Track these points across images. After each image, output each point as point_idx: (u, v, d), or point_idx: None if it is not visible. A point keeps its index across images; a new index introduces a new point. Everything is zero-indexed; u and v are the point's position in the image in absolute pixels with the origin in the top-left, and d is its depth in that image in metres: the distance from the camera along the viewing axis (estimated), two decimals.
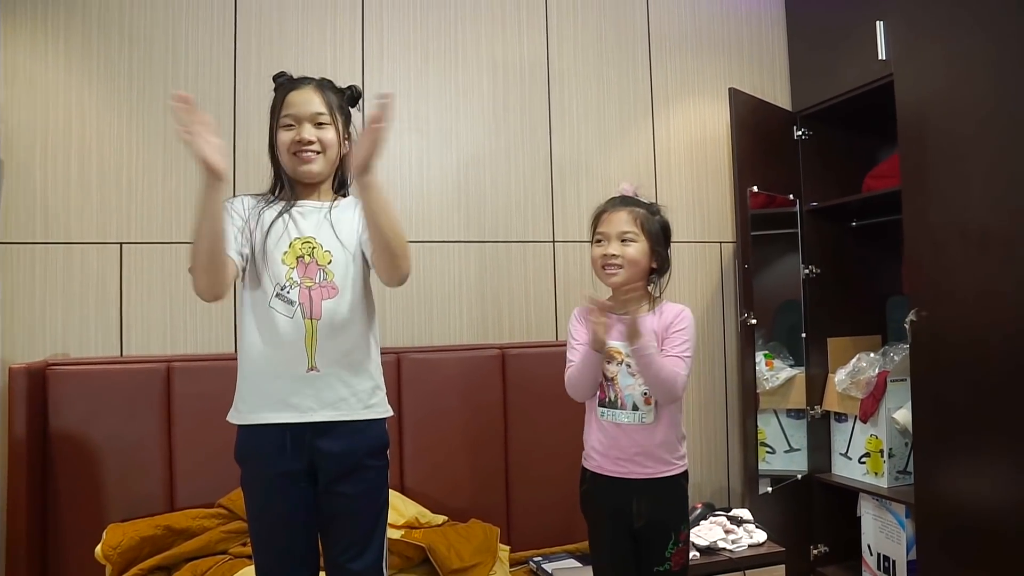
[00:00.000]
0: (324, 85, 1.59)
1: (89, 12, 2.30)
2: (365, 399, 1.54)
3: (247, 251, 1.53)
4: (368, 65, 2.57)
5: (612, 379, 1.70)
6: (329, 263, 1.52)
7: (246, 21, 2.45)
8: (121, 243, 2.31)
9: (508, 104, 2.72)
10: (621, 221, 1.73)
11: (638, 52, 2.91)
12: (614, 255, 1.71)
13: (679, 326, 1.71)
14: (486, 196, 2.68)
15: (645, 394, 1.68)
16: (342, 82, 1.68)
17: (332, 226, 1.55)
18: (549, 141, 2.77)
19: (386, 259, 1.45)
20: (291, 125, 1.54)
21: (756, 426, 2.83)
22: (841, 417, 2.95)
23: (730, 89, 2.78)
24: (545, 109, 2.77)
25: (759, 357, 2.93)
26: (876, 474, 2.77)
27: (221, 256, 1.43)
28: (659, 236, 1.76)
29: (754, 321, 2.73)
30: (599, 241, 1.76)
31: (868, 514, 2.80)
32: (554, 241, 2.75)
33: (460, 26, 2.68)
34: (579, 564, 2.30)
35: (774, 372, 2.98)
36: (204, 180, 1.37)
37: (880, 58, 2.52)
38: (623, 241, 1.72)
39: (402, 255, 1.45)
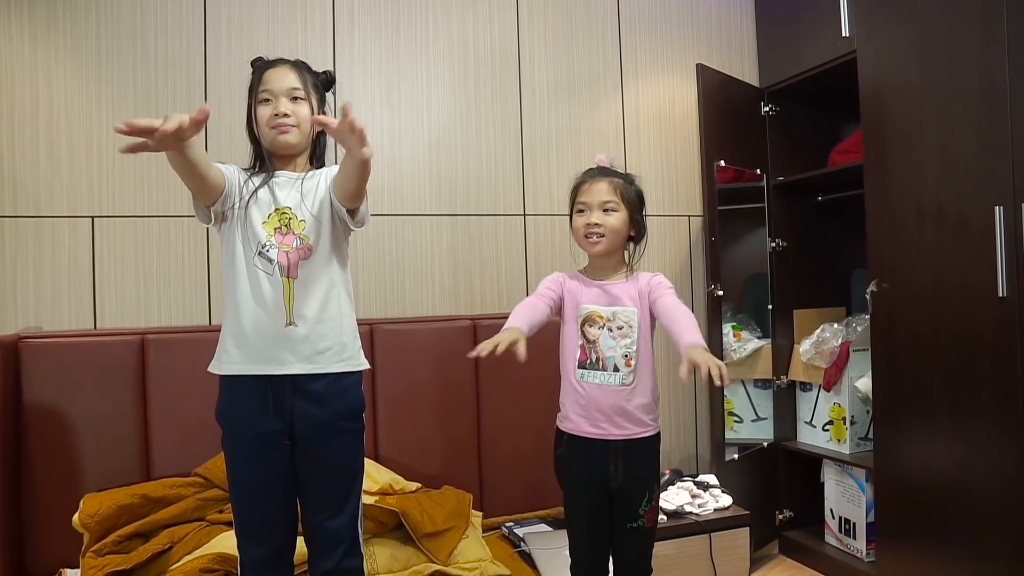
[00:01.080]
0: (299, 65, 1.65)
1: None
2: (339, 352, 1.59)
3: (229, 204, 1.57)
4: (339, 38, 2.57)
5: (594, 341, 1.76)
6: (303, 230, 1.59)
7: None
8: (93, 217, 2.31)
9: (479, 78, 2.75)
10: (602, 191, 1.78)
11: (608, 28, 2.94)
12: (597, 224, 1.76)
13: (660, 283, 1.77)
14: (458, 170, 2.71)
15: (626, 356, 1.74)
16: (313, 56, 1.72)
17: (302, 197, 1.60)
18: (520, 116, 2.80)
19: (350, 193, 1.52)
20: (268, 100, 1.60)
21: (723, 396, 2.91)
22: (806, 386, 3.03)
23: (698, 65, 2.82)
24: (516, 84, 2.79)
25: (727, 329, 3.01)
26: (839, 441, 2.86)
27: (204, 166, 1.47)
28: (636, 204, 1.81)
29: (721, 293, 2.80)
30: (580, 211, 1.81)
31: (831, 479, 2.89)
32: (525, 214, 2.79)
33: (431, 1, 2.69)
34: (550, 528, 2.36)
35: (741, 343, 3.05)
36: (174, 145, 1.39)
37: (843, 35, 2.57)
38: (605, 211, 1.77)
39: (360, 193, 1.54)
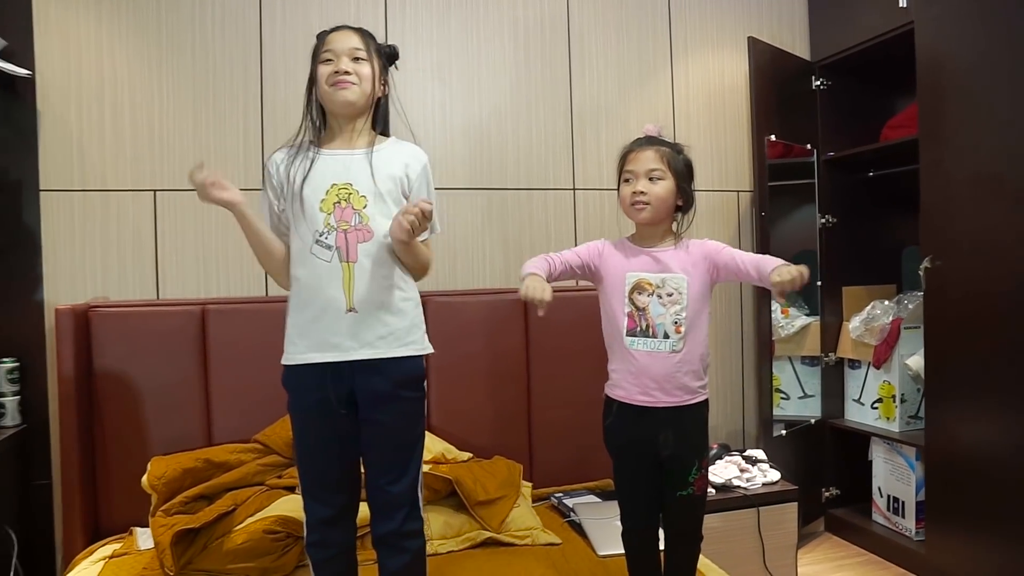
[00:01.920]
0: (363, 31, 1.64)
1: None
2: (402, 337, 1.60)
3: (286, 208, 1.63)
4: (391, 12, 2.60)
5: (644, 309, 1.76)
6: (364, 207, 1.58)
7: None
8: (155, 190, 2.38)
9: (529, 53, 2.75)
10: (648, 159, 1.77)
11: (658, 1, 2.92)
12: (642, 192, 1.76)
13: (714, 246, 1.78)
14: (508, 144, 2.73)
15: (676, 323, 1.74)
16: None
17: (372, 171, 1.60)
18: (569, 90, 2.80)
19: (411, 270, 1.67)
20: (330, 60, 1.59)
21: (771, 372, 2.90)
22: (855, 364, 3.01)
23: (749, 38, 2.79)
24: (566, 58, 2.80)
25: (775, 305, 2.99)
26: (888, 419, 2.84)
27: (272, 251, 1.64)
28: (684, 173, 1.80)
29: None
30: (627, 180, 1.80)
31: (879, 457, 2.88)
32: (574, 189, 2.80)
33: None
34: (599, 499, 2.39)
35: (789, 320, 3.04)
36: (233, 213, 1.60)
37: (901, 5, 2.52)
38: (651, 179, 1.77)
39: (421, 272, 1.69)
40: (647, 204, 1.76)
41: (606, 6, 2.84)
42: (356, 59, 1.59)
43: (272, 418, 2.22)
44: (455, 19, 2.67)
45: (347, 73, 1.58)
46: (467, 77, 2.68)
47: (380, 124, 1.71)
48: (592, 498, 2.42)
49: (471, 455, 2.36)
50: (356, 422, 1.61)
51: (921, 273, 2.43)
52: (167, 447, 2.19)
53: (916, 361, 2.70)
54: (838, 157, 2.99)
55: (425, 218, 1.50)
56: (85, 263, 2.32)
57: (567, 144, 2.79)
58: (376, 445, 1.62)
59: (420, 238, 1.61)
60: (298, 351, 1.58)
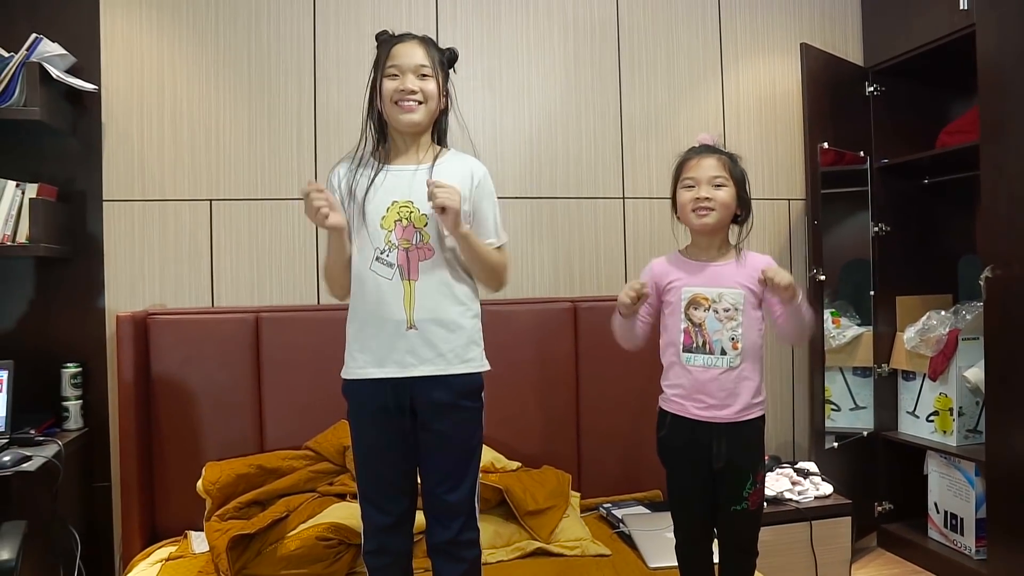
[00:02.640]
0: (427, 41, 1.64)
1: None
2: (461, 354, 1.60)
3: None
4: (442, 22, 2.62)
5: (700, 325, 1.74)
6: (425, 225, 1.58)
7: None
8: (211, 200, 2.44)
9: (579, 61, 2.75)
10: (711, 166, 1.76)
11: (708, 8, 2.90)
12: (707, 198, 1.75)
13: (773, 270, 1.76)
14: (558, 153, 2.73)
15: (733, 339, 1.72)
16: None
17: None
18: (619, 98, 2.79)
19: (482, 280, 1.69)
20: (396, 75, 1.59)
21: (823, 383, 2.84)
22: (909, 375, 2.94)
23: (802, 45, 2.75)
24: (615, 66, 2.79)
25: (825, 315, 2.93)
26: (944, 432, 2.77)
27: (348, 269, 1.63)
28: (742, 182, 1.79)
29: (823, 277, 2.74)
30: (689, 186, 1.79)
31: (935, 472, 2.80)
32: (624, 197, 2.79)
33: None
34: (648, 511, 2.37)
35: (840, 330, 2.98)
36: (330, 234, 1.60)
37: (962, 8, 2.46)
38: (715, 186, 1.75)
39: (495, 279, 1.70)
40: (711, 209, 1.75)
41: (656, 13, 2.83)
42: (422, 76, 1.59)
43: (323, 425, 2.25)
44: (505, 27, 2.68)
45: (413, 92, 1.58)
46: (517, 85, 2.69)
47: (440, 136, 1.72)
48: (641, 509, 2.40)
49: (520, 464, 2.36)
50: (414, 429, 1.62)
51: (982, 283, 2.36)
52: (221, 452, 2.23)
53: (975, 373, 2.62)
54: (892, 164, 2.93)
55: (437, 194, 1.51)
56: (144, 271, 2.38)
57: (617, 152, 2.78)
58: (434, 453, 1.62)
59: (489, 242, 1.65)
60: (358, 365, 1.59)
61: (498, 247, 1.68)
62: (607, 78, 2.78)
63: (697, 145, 1.84)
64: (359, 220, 1.60)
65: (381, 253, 1.57)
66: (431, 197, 1.51)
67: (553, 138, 2.72)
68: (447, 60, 1.68)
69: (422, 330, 1.57)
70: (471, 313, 1.65)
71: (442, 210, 1.51)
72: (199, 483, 2.09)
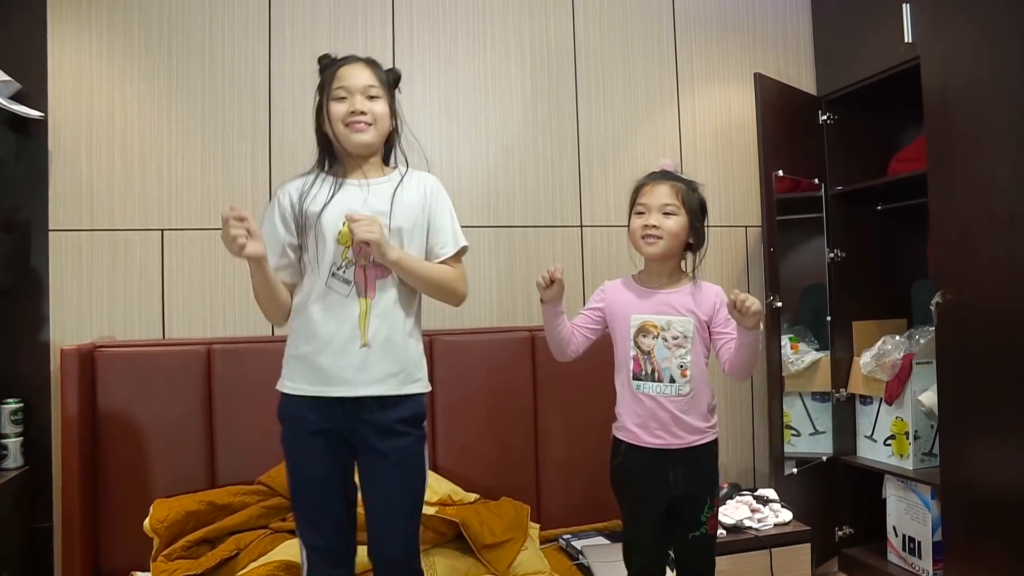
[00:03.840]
0: (372, 62, 1.64)
1: (130, 4, 2.38)
2: (412, 375, 1.59)
3: (295, 243, 1.61)
4: (399, 51, 2.62)
5: (648, 352, 1.75)
6: None
7: (279, 8, 2.52)
8: (163, 230, 2.39)
9: (536, 90, 2.77)
10: (663, 194, 1.76)
11: (664, 37, 2.94)
12: (655, 226, 1.74)
13: (725, 311, 1.75)
14: (515, 181, 2.73)
15: (681, 366, 1.73)
16: None
17: (391, 207, 1.59)
18: (576, 127, 2.81)
19: (437, 297, 1.68)
20: (343, 97, 1.57)
21: (782, 409, 2.86)
22: (866, 400, 2.97)
23: (755, 74, 2.79)
24: (572, 95, 2.81)
25: (784, 340, 2.96)
26: (901, 456, 2.79)
27: (278, 294, 1.60)
28: (698, 212, 1.79)
29: (779, 304, 2.76)
30: (639, 212, 1.79)
31: (893, 496, 2.82)
32: (581, 226, 2.79)
33: (488, 12, 2.73)
34: (608, 541, 2.35)
35: (799, 355, 3.00)
36: (250, 263, 1.55)
37: (906, 40, 2.53)
38: (664, 214, 1.75)
39: (448, 294, 1.67)
40: (659, 238, 1.75)
41: (612, 42, 2.86)
42: (371, 96, 1.59)
43: (276, 459, 2.17)
44: (462, 56, 2.69)
45: (363, 113, 1.57)
46: (474, 113, 2.70)
47: (391, 156, 1.71)
48: (601, 539, 2.38)
49: (478, 496, 2.33)
50: (352, 462, 1.59)
51: (933, 308, 2.40)
52: (170, 488, 2.17)
53: (929, 397, 2.65)
54: (846, 191, 2.98)
55: (355, 229, 1.49)
56: (92, 303, 2.33)
57: (574, 181, 2.79)
58: (374, 489, 1.59)
59: (444, 251, 1.65)
60: (304, 381, 1.55)
61: (455, 255, 1.67)
62: (564, 107, 2.79)
63: (658, 170, 1.85)
64: (313, 237, 1.58)
65: (338, 269, 1.55)
66: (351, 233, 1.50)
67: (510, 166, 2.72)
68: (392, 81, 1.67)
69: (375, 348, 1.54)
70: (419, 333, 1.66)
71: (365, 244, 1.50)
72: (146, 521, 2.03)
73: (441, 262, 1.66)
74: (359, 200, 1.59)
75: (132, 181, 2.37)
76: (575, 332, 1.84)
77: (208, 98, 2.44)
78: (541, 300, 1.79)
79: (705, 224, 1.83)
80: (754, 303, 1.61)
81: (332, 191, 1.59)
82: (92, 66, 2.35)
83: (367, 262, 1.56)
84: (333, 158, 1.66)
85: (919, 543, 2.69)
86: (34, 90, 2.27)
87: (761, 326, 1.67)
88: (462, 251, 1.70)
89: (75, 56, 2.33)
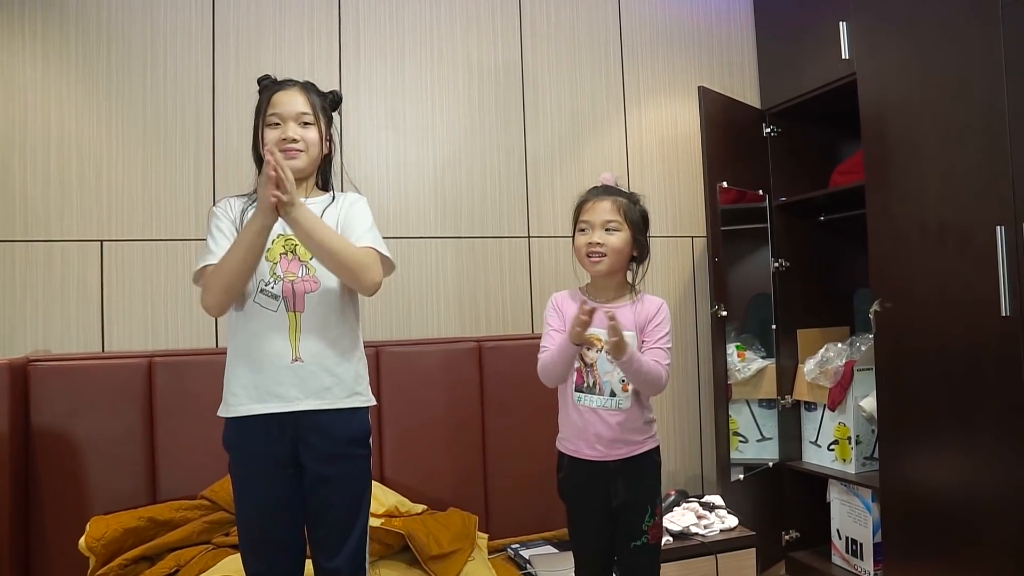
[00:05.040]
0: (308, 87, 1.65)
1: (66, 9, 2.33)
2: (349, 387, 1.58)
3: None
4: (345, 62, 2.61)
5: (592, 365, 1.76)
6: (310, 258, 1.57)
7: (224, 19, 2.49)
8: (102, 240, 2.34)
9: (484, 102, 2.78)
10: (605, 210, 1.78)
11: (610, 51, 2.98)
12: (599, 243, 1.76)
13: (658, 319, 1.78)
14: (462, 193, 2.74)
15: (623, 381, 1.74)
16: (320, 79, 1.73)
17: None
18: (524, 139, 2.83)
19: (343, 276, 1.55)
20: (277, 124, 1.59)
21: (728, 416, 2.90)
22: (811, 406, 3.03)
23: (699, 88, 2.85)
24: (520, 107, 2.83)
25: (731, 349, 3.01)
26: (844, 460, 2.86)
27: (247, 279, 1.52)
28: (640, 225, 1.82)
29: (724, 313, 2.81)
30: (583, 230, 1.81)
31: (837, 499, 2.88)
32: (529, 237, 2.81)
33: (436, 25, 2.73)
34: (556, 550, 2.36)
35: (746, 363, 3.06)
36: (263, 222, 1.46)
37: (843, 57, 2.60)
38: (607, 230, 1.77)
39: (355, 269, 1.52)
40: (603, 256, 1.77)
41: (559, 55, 2.89)
42: (304, 123, 1.60)
43: (220, 473, 2.15)
44: (409, 69, 2.69)
45: (295, 140, 1.58)
46: (421, 126, 2.70)
47: (324, 181, 1.72)
48: (549, 548, 2.38)
49: (426, 507, 2.32)
50: (300, 485, 1.57)
51: (871, 316, 2.47)
52: (109, 506, 2.11)
53: (869, 403, 2.72)
54: (789, 202, 3.05)
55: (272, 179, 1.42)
56: (25, 315, 2.26)
57: (521, 192, 2.81)
58: (321, 505, 1.58)
59: (361, 245, 1.57)
60: (239, 402, 1.54)
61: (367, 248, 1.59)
62: (511, 118, 2.81)
63: (599, 185, 1.87)
64: None
65: (265, 285, 1.55)
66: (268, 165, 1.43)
67: (458, 178, 2.73)
68: (330, 104, 1.69)
69: (308, 362, 1.54)
70: (357, 346, 1.64)
71: (276, 190, 1.43)
72: (82, 540, 1.97)
73: None
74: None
75: (69, 190, 2.31)
76: (551, 348, 1.81)
77: (150, 107, 2.40)
78: (574, 342, 1.69)
79: (647, 235, 1.85)
80: (611, 334, 1.61)
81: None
82: (25, 71, 2.29)
83: (296, 277, 1.56)
84: None
85: (861, 545, 2.75)
86: None
87: (625, 354, 1.64)
88: (380, 256, 1.61)
89: (7, 60, 2.27)
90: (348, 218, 1.62)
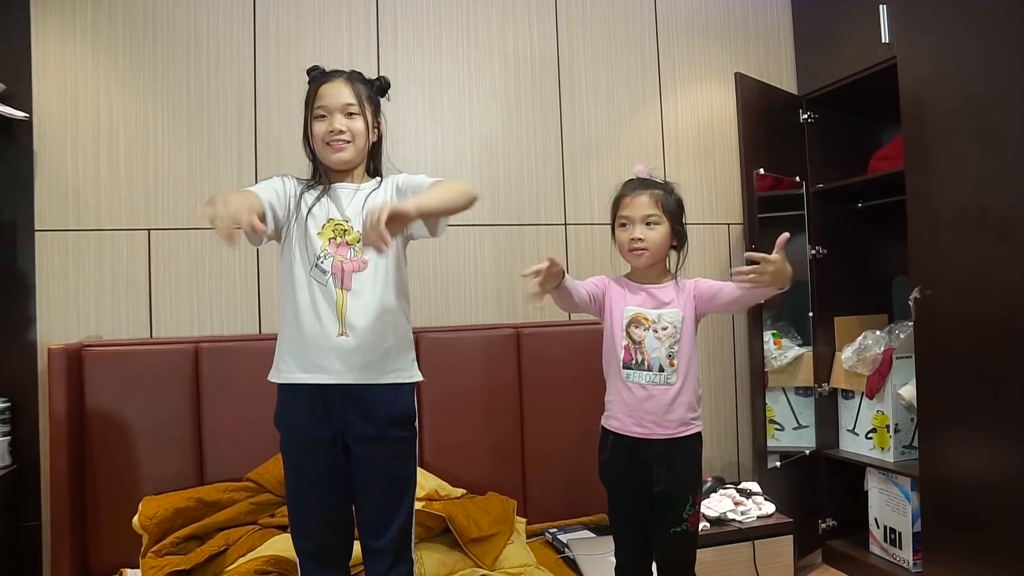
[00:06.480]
0: (354, 77, 1.67)
1: (115, 5, 2.39)
2: (393, 363, 1.62)
3: (280, 217, 1.61)
4: (383, 52, 2.64)
5: (640, 343, 1.80)
6: (358, 242, 1.62)
7: (264, 11, 2.53)
8: (149, 229, 2.40)
9: (520, 90, 2.79)
10: (644, 205, 1.81)
11: (646, 38, 2.97)
12: (640, 239, 1.80)
13: (704, 283, 1.85)
14: (500, 181, 2.76)
15: (670, 356, 1.78)
16: (358, 69, 1.75)
17: (363, 210, 1.63)
18: (560, 126, 2.84)
19: (460, 211, 1.62)
20: (323, 116, 1.63)
21: (765, 404, 2.90)
22: (848, 394, 3.01)
23: (736, 74, 2.83)
24: (556, 95, 2.84)
25: (767, 336, 3.00)
26: (882, 449, 2.84)
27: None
28: (676, 214, 1.85)
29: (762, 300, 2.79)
30: (623, 225, 1.84)
31: (875, 488, 2.87)
32: (566, 224, 2.83)
33: (472, 15, 2.75)
34: (593, 535, 2.38)
35: (782, 351, 3.05)
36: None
37: (883, 41, 2.57)
38: (647, 224, 1.80)
39: (465, 199, 1.60)
40: (645, 250, 1.80)
41: (595, 42, 2.89)
42: (349, 115, 1.63)
43: (264, 456, 2.21)
44: (446, 57, 2.71)
45: (341, 132, 1.62)
46: (458, 114, 2.72)
47: (374, 167, 1.76)
48: (587, 533, 2.41)
49: (464, 491, 2.36)
50: (347, 464, 1.61)
51: (911, 303, 2.44)
52: (158, 486, 2.18)
53: (908, 391, 2.70)
54: (827, 189, 3.02)
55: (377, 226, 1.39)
56: (79, 302, 2.33)
57: (558, 179, 2.82)
58: (367, 485, 1.63)
59: (433, 181, 1.63)
60: (289, 369, 1.60)
61: (435, 182, 1.64)
62: (547, 106, 2.82)
63: (633, 178, 1.89)
64: (301, 232, 1.62)
65: (318, 260, 1.60)
66: (370, 236, 1.41)
67: (495, 166, 2.75)
68: (377, 91, 1.71)
69: (353, 337, 1.58)
70: (403, 327, 1.67)
71: (393, 222, 1.40)
72: (135, 518, 2.04)
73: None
74: (341, 205, 1.65)
75: (118, 181, 2.38)
76: (582, 287, 1.84)
77: (194, 97, 2.45)
78: (538, 293, 1.70)
79: (684, 222, 1.88)
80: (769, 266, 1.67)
81: (318, 195, 1.65)
82: (77, 66, 2.35)
83: (344, 259, 1.60)
84: (317, 170, 1.72)
85: (900, 534, 2.73)
86: (18, 91, 2.27)
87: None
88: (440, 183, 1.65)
89: (60, 56, 2.34)
90: (404, 188, 1.65)
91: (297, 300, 1.60)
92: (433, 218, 1.60)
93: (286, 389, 1.62)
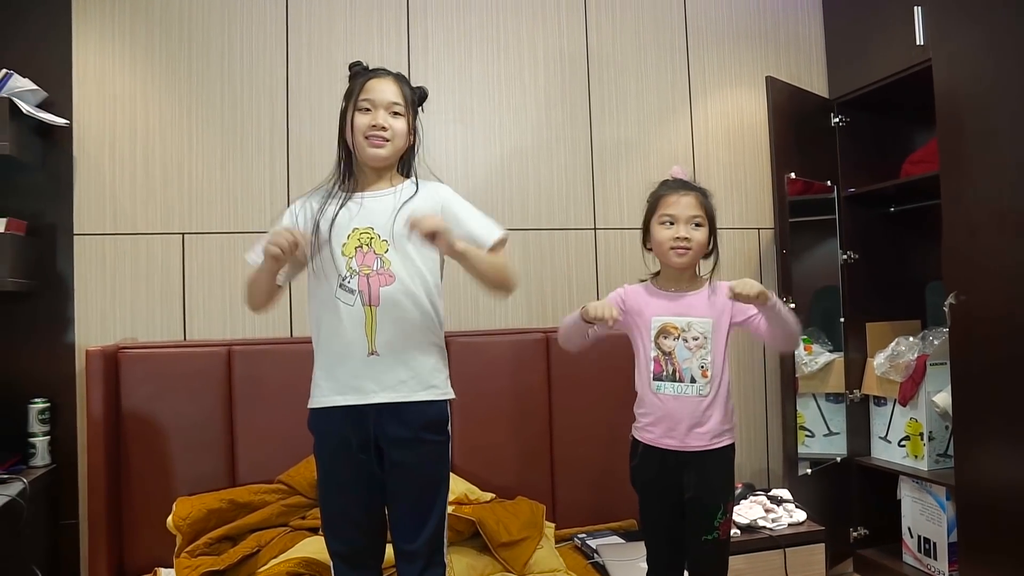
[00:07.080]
0: (401, 78, 1.67)
1: (152, 12, 2.44)
2: (425, 380, 1.60)
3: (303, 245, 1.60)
4: (414, 58, 2.66)
5: (670, 353, 1.77)
6: (386, 251, 1.59)
7: (296, 16, 2.56)
8: (183, 233, 2.44)
9: (549, 95, 2.80)
10: (690, 205, 1.79)
11: (676, 42, 2.96)
12: (686, 238, 1.77)
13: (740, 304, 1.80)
14: (529, 185, 2.76)
15: (702, 367, 1.75)
16: None
17: (395, 216, 1.60)
18: (589, 131, 2.84)
19: (492, 288, 1.68)
20: (368, 109, 1.61)
21: (795, 410, 2.87)
22: (880, 401, 2.97)
23: (767, 77, 2.81)
24: (585, 99, 2.84)
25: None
26: (916, 457, 2.79)
27: (274, 294, 1.65)
28: (714, 220, 1.84)
29: (793, 305, 2.76)
30: (666, 223, 1.81)
31: (908, 497, 2.82)
32: (595, 229, 2.82)
33: (502, 19, 2.76)
34: (623, 540, 2.37)
35: (812, 357, 3.01)
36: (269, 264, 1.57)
37: (918, 43, 2.54)
38: (694, 225, 1.79)
39: (504, 282, 1.66)
40: (689, 250, 1.78)
41: (625, 47, 2.89)
42: (394, 113, 1.62)
43: (296, 459, 2.24)
44: (476, 62, 2.73)
45: (384, 129, 1.60)
46: (488, 119, 2.73)
47: (406, 169, 1.74)
48: (616, 539, 2.39)
49: (494, 495, 2.36)
50: (380, 469, 1.61)
51: (946, 309, 2.41)
52: (192, 487, 2.21)
53: (943, 398, 2.65)
54: (859, 193, 2.99)
55: (422, 222, 1.48)
56: (115, 305, 2.38)
57: (588, 184, 2.82)
58: (400, 489, 1.62)
59: (490, 238, 1.64)
60: (322, 393, 1.60)
61: (499, 241, 1.66)
62: (577, 111, 2.83)
63: (671, 179, 1.87)
64: (326, 251, 1.60)
65: (344, 280, 1.58)
66: (413, 226, 1.48)
67: (525, 171, 2.76)
68: (418, 99, 1.71)
69: (384, 355, 1.57)
70: (435, 340, 1.65)
71: (433, 236, 1.49)
72: (169, 518, 2.07)
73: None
74: (365, 212, 1.62)
75: (153, 186, 2.42)
76: (590, 333, 1.85)
77: (227, 103, 2.49)
78: (589, 320, 1.73)
79: (716, 230, 1.86)
80: (748, 287, 1.63)
81: (340, 204, 1.63)
82: (115, 73, 2.40)
83: (371, 271, 1.57)
84: (350, 168, 1.68)
85: (935, 544, 2.69)
86: (59, 98, 2.32)
87: (772, 296, 1.68)
88: (503, 241, 1.68)
89: (99, 64, 2.39)
90: (456, 220, 1.63)
91: (325, 322, 1.60)
92: (463, 263, 1.59)
93: (319, 410, 1.62)
